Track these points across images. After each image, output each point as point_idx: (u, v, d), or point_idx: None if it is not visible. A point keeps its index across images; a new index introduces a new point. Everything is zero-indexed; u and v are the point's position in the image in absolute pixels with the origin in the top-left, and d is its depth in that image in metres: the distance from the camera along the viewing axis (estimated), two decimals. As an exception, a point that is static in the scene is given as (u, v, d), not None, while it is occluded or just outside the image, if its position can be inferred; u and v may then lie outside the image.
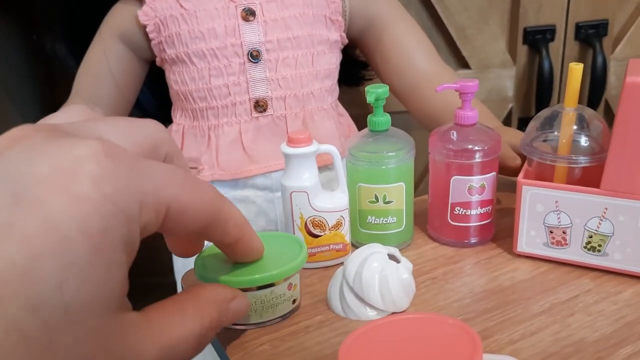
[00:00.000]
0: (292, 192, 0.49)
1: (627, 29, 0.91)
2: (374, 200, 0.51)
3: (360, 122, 0.57)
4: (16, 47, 0.96)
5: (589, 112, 0.49)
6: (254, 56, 0.62)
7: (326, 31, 0.65)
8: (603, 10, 0.88)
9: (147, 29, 0.63)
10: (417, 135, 0.84)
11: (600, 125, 0.48)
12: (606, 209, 0.45)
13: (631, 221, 0.45)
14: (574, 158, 0.47)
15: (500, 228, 0.55)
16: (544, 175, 0.49)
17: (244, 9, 0.61)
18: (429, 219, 0.56)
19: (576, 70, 0.46)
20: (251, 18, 0.61)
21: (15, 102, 0.96)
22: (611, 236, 0.46)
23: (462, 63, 0.91)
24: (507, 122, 0.95)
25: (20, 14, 0.91)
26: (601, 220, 0.46)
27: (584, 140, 0.48)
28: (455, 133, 0.51)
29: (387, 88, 0.50)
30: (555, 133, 0.49)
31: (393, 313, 0.44)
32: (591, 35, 0.88)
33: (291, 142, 0.48)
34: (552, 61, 0.88)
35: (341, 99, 0.73)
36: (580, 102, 0.93)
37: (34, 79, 1.01)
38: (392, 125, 0.52)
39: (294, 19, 0.62)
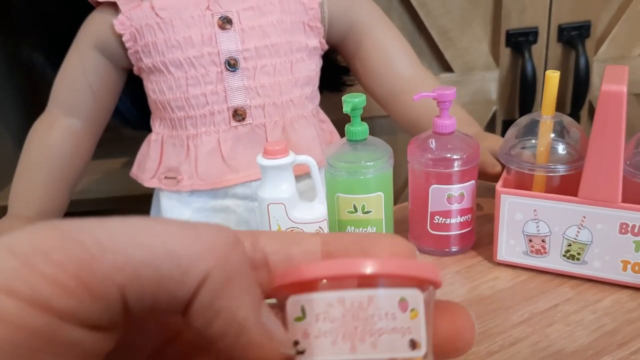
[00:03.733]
0: (269, 204, 0.48)
1: (609, 30, 0.91)
2: (353, 210, 0.51)
3: (343, 126, 0.57)
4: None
5: (566, 119, 0.48)
6: (232, 65, 0.61)
7: (305, 38, 0.65)
8: (585, 12, 0.88)
9: (123, 38, 0.62)
10: (401, 140, 0.84)
11: (578, 133, 0.48)
12: (584, 217, 0.45)
13: (609, 229, 0.45)
14: (552, 167, 0.47)
15: (482, 235, 0.55)
16: (523, 183, 0.49)
17: (220, 17, 0.60)
18: (409, 228, 0.55)
19: (553, 79, 0.46)
20: (228, 26, 0.60)
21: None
22: (590, 244, 0.46)
23: (445, 66, 0.91)
24: (491, 125, 0.95)
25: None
26: (579, 228, 0.46)
27: (562, 148, 0.48)
28: (433, 141, 0.51)
29: (364, 97, 0.49)
30: (533, 141, 0.49)
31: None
32: (574, 37, 0.88)
33: (267, 153, 0.48)
34: (535, 63, 0.88)
35: (323, 104, 0.72)
36: (563, 104, 0.94)
37: (14, 84, 1.00)
38: (377, 129, 0.52)
39: (272, 27, 0.62)
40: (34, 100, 1.00)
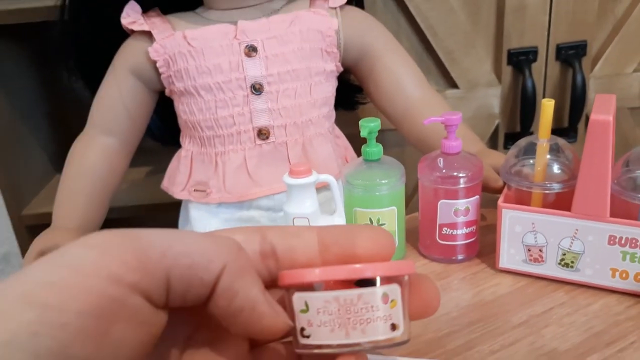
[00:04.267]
0: (294, 218, 0.54)
1: (604, 49, 0.97)
2: (369, 223, 0.56)
3: (356, 140, 0.61)
4: (28, 72, 1.01)
5: (561, 142, 0.54)
6: (257, 89, 0.67)
7: (322, 63, 0.70)
8: (582, 32, 0.93)
9: (158, 64, 0.68)
10: (409, 152, 0.89)
11: (571, 154, 0.53)
12: (577, 230, 0.50)
13: (599, 241, 0.50)
14: (548, 185, 0.52)
15: (485, 244, 0.59)
16: (523, 198, 0.54)
17: (246, 46, 0.66)
18: (419, 238, 0.61)
19: (548, 107, 0.51)
20: (253, 54, 0.66)
21: (28, 122, 1.00)
22: (582, 254, 0.51)
23: (451, 83, 0.96)
24: (494, 137, 1.00)
25: (36, 49, 0.96)
26: (573, 239, 0.51)
27: (556, 168, 0.53)
28: (441, 161, 0.56)
29: (378, 122, 0.55)
30: (531, 161, 0.54)
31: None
32: (571, 56, 0.93)
33: (293, 173, 0.53)
34: (535, 80, 0.93)
35: (338, 120, 0.78)
36: (562, 117, 0.99)
37: (46, 101, 1.06)
38: (387, 142, 0.57)
39: (293, 54, 0.67)
40: (65, 116, 1.06)
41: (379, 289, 0.23)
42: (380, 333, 0.23)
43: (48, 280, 0.19)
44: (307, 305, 0.23)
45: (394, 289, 0.23)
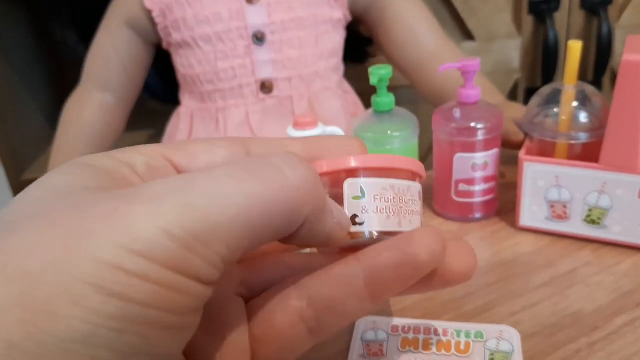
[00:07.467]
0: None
1: (633, -4, 0.91)
2: (379, 179, 0.53)
3: (367, 97, 0.58)
4: (26, 33, 0.97)
5: (588, 88, 0.49)
6: (259, 38, 0.62)
7: (329, 10, 0.66)
8: (609, -22, 0.87)
9: (153, 14, 0.64)
10: (424, 109, 0.85)
11: (599, 102, 0.49)
12: (605, 183, 0.47)
13: (629, 195, 0.46)
14: (573, 135, 0.48)
15: (504, 202, 0.57)
16: (546, 150, 0.51)
17: (247, -8, 0.62)
18: (433, 196, 0.57)
19: (575, 49, 0.47)
20: (255, 1, 0.62)
21: (26, 85, 0.98)
22: (610, 210, 0.47)
23: (467, 35, 0.92)
24: (513, 93, 0.96)
25: (29, 2, 0.93)
26: (600, 194, 0.47)
27: (583, 117, 0.49)
28: (458, 111, 0.52)
29: (390, 69, 0.51)
30: (555, 110, 0.50)
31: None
32: (596, 4, 0.87)
33: (297, 125, 0.50)
34: (557, 31, 0.88)
35: (346, 74, 0.73)
36: (586, 71, 0.94)
37: (44, 63, 1.03)
38: (400, 98, 0.53)
39: (297, 0, 0.63)
40: (62, 78, 1.03)
41: (417, 184, 0.24)
42: (416, 224, 0.24)
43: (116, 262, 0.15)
44: (362, 191, 0.22)
45: (420, 188, 0.24)
